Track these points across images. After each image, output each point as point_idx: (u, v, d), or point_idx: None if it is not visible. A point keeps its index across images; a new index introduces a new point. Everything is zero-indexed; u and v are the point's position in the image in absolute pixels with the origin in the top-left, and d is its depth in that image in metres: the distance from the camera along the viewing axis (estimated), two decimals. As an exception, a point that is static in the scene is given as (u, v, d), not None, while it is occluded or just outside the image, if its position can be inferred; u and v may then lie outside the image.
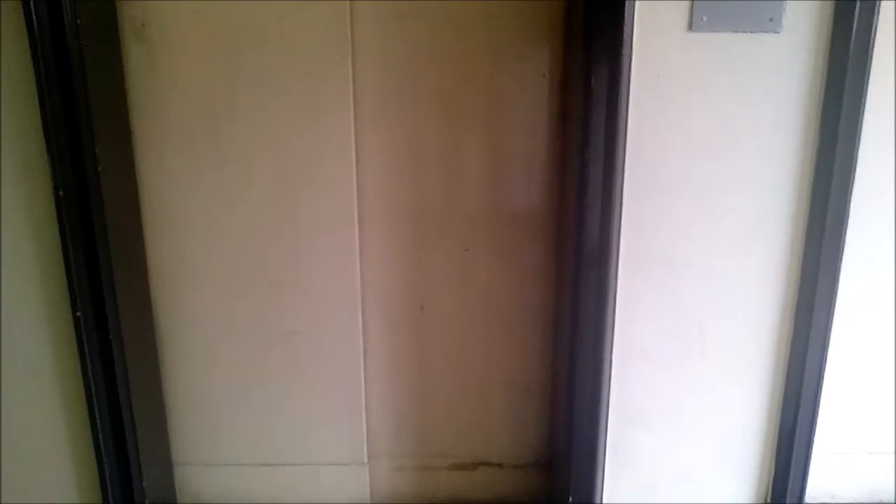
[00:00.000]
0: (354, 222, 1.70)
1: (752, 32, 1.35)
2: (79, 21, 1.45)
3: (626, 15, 1.32)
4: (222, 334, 1.80)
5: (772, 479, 1.61)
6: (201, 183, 1.69)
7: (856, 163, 1.40)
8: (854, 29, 1.33)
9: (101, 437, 1.64)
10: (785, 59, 1.37)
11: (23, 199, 1.54)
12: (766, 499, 1.62)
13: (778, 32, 1.35)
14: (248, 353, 1.82)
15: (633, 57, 1.36)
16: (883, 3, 1.33)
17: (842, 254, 1.46)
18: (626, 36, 1.33)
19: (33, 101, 1.45)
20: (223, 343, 1.81)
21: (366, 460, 1.91)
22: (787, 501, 1.60)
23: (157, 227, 1.72)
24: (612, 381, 1.55)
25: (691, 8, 1.34)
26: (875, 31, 1.33)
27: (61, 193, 1.50)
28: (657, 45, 1.36)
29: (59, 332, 1.61)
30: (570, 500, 1.59)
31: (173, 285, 1.76)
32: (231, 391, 1.85)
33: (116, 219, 1.58)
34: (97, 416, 1.62)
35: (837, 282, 1.48)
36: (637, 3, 1.34)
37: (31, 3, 1.40)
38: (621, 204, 1.44)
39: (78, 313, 1.56)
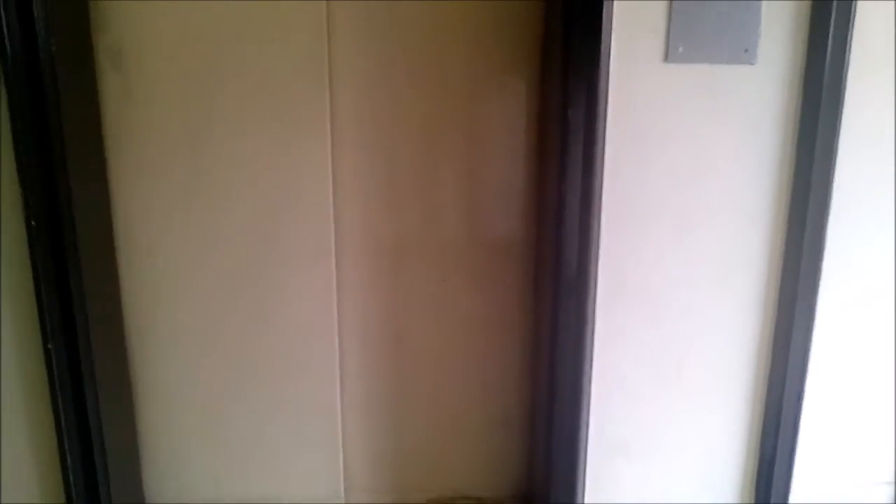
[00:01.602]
0: (331, 252, 1.69)
1: (727, 63, 1.36)
2: (53, 49, 1.43)
3: (602, 46, 1.33)
4: (197, 367, 1.77)
5: (752, 509, 1.60)
6: (177, 213, 1.67)
7: (831, 192, 1.42)
8: (827, 59, 1.34)
9: (71, 473, 1.60)
10: (760, 90, 1.39)
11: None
12: (746, 529, 1.61)
13: (753, 63, 1.37)
14: (223, 386, 1.79)
15: (610, 87, 1.37)
16: (855, 34, 1.34)
17: (819, 283, 1.47)
18: (602, 67, 1.34)
19: (6, 129, 1.44)
20: (197, 377, 1.78)
21: (342, 495, 1.88)
22: (768, 532, 1.59)
23: (131, 258, 1.69)
24: (591, 412, 1.53)
25: (667, 39, 1.35)
26: (848, 62, 1.35)
27: (33, 223, 1.47)
28: (634, 76, 1.37)
29: (30, 364, 1.58)
30: (550, 532, 1.58)
31: (147, 318, 1.74)
32: (205, 426, 1.82)
33: (90, 250, 1.56)
34: (67, 451, 1.58)
35: (815, 311, 1.48)
36: (614, 35, 1.34)
37: (5, 30, 1.39)
38: (599, 233, 1.44)
39: (49, 345, 1.53)
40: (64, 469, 1.60)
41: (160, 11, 1.57)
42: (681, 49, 1.35)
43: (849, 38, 1.33)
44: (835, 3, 1.33)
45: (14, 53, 1.41)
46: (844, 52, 1.34)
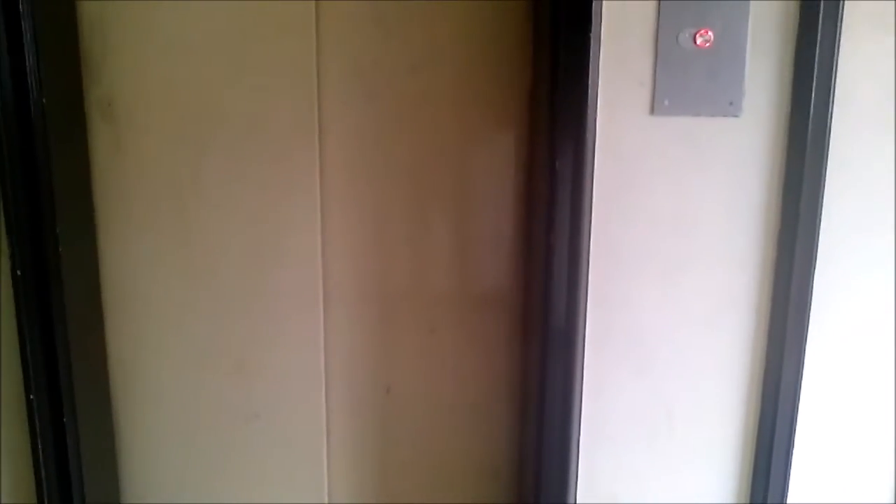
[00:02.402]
0: (319, 302, 1.68)
1: (712, 116, 1.38)
2: (44, 100, 1.44)
3: (589, 99, 1.34)
4: (181, 418, 1.75)
5: (745, 562, 1.58)
6: (164, 263, 1.67)
7: (818, 238, 1.42)
8: (811, 113, 1.36)
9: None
10: (745, 142, 1.40)
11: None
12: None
13: (738, 116, 1.38)
14: (209, 436, 1.76)
15: (598, 139, 1.38)
16: (838, 84, 1.36)
17: (807, 331, 1.47)
18: (589, 119, 1.35)
19: (-7, 178, 1.44)
20: (182, 427, 1.76)
21: (329, 547, 1.85)
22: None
23: (117, 308, 1.69)
24: (580, 463, 1.52)
25: (653, 92, 1.37)
26: (832, 112, 1.36)
27: (19, 273, 1.47)
28: (620, 128, 1.38)
29: (11, 415, 1.56)
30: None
31: (132, 368, 1.72)
32: (190, 478, 1.79)
33: (76, 299, 1.55)
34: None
35: (803, 359, 1.48)
36: (601, 88, 1.36)
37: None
38: (587, 283, 1.44)
39: (31, 396, 1.52)
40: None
41: (151, 64, 1.58)
42: (666, 102, 1.37)
43: (831, 92, 1.35)
44: (817, 56, 1.35)
45: (5, 104, 1.42)
46: (828, 102, 1.36)
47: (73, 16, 1.54)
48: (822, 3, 1.32)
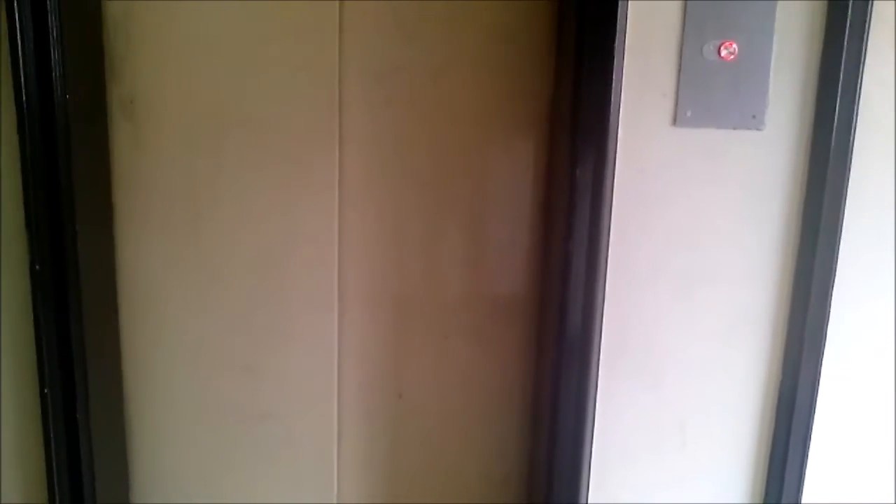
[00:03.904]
0: (334, 306, 1.68)
1: (735, 129, 1.37)
2: (67, 97, 1.45)
3: (612, 108, 1.34)
4: (194, 417, 1.75)
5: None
6: (180, 261, 1.67)
7: (837, 258, 1.41)
8: (835, 127, 1.35)
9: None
10: (767, 155, 1.39)
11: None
12: None
13: (761, 129, 1.37)
14: (220, 437, 1.76)
15: (619, 149, 1.38)
16: (862, 102, 1.36)
17: (823, 349, 1.46)
18: (611, 128, 1.35)
19: (16, 173, 1.45)
20: (194, 426, 1.76)
21: (337, 552, 1.84)
22: None
23: (132, 306, 1.69)
24: (591, 475, 1.51)
25: (676, 103, 1.36)
26: (855, 130, 1.36)
27: (38, 268, 1.47)
28: (642, 139, 1.38)
29: (25, 409, 1.56)
30: None
31: (146, 365, 1.72)
32: (200, 477, 1.79)
33: (92, 296, 1.56)
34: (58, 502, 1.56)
35: (819, 377, 1.47)
36: (623, 97, 1.36)
37: (22, 78, 1.41)
38: (604, 294, 1.44)
39: (46, 390, 1.52)
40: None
41: (172, 63, 1.59)
42: (689, 113, 1.36)
43: (855, 106, 1.34)
44: (842, 70, 1.34)
45: (29, 101, 1.43)
46: (851, 120, 1.35)
47: (99, 14, 1.55)
48: (848, 19, 1.32)
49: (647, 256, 1.43)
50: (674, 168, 1.39)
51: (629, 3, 1.33)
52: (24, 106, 1.43)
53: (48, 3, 1.40)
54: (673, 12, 1.35)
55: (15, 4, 1.40)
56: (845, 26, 1.32)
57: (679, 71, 1.36)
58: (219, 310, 1.69)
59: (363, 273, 1.70)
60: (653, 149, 1.38)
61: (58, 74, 1.43)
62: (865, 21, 1.32)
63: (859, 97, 1.35)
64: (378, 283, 1.71)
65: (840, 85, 1.34)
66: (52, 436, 1.53)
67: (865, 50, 1.33)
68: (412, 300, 1.71)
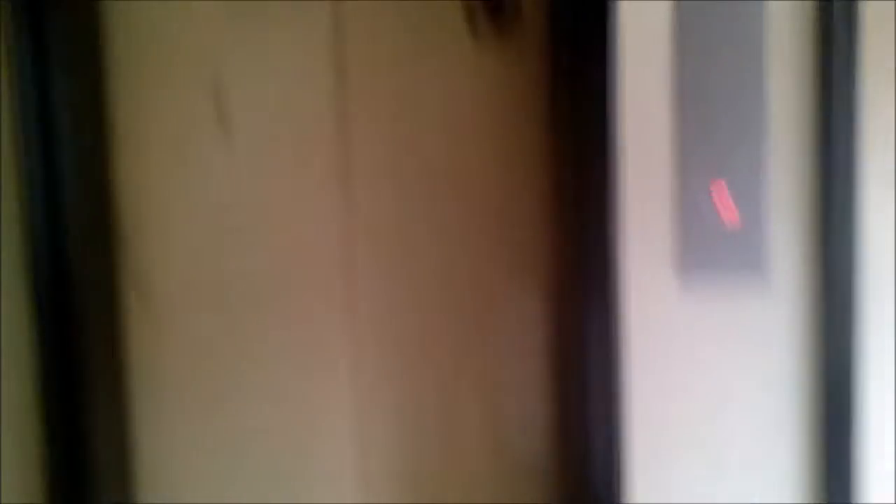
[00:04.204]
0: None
1: (739, 289, 1.38)
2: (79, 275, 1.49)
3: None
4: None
5: None
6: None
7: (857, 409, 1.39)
8: (840, 279, 1.35)
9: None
10: (774, 313, 1.39)
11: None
12: None
13: (765, 288, 1.38)
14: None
15: (624, 313, 1.39)
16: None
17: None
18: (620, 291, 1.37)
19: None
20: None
21: None
22: None
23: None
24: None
25: (678, 266, 1.38)
26: (858, 285, 1.36)
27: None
28: (647, 301, 1.39)
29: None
30: None
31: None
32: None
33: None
34: None
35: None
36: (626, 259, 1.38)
37: (34, 261, 1.44)
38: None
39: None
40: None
41: (180, 237, 1.64)
42: (691, 276, 1.38)
43: (855, 259, 1.35)
44: (842, 221, 1.35)
45: (43, 281, 1.45)
46: (851, 273, 1.36)
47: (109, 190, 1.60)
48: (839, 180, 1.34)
49: (668, 427, 1.42)
50: (680, 328, 1.40)
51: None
52: (36, 286, 1.45)
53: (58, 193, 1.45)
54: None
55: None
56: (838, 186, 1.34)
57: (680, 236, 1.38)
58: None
59: (388, 448, 1.69)
60: (659, 310, 1.40)
61: (73, 256, 1.48)
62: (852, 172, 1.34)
63: (861, 247, 1.36)
64: (395, 460, 1.69)
65: (845, 237, 1.34)
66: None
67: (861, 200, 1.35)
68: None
